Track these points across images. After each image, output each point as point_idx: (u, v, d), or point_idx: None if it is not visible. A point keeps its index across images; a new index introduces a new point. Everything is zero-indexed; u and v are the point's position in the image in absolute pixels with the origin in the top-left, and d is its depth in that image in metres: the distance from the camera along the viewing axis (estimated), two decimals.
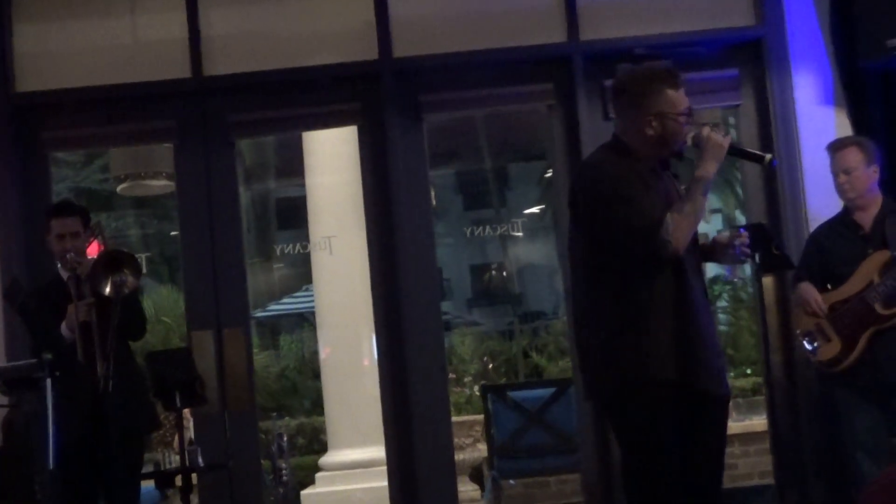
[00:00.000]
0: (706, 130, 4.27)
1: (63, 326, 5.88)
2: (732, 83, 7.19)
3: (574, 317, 4.57)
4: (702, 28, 7.10)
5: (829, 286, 5.77)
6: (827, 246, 5.86)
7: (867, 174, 5.74)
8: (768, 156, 4.43)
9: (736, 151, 4.37)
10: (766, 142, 6.98)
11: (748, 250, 4.39)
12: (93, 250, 6.50)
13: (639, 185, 4.25)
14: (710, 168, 4.26)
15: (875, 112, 6.78)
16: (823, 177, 6.22)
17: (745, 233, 4.44)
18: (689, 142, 4.31)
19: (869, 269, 5.63)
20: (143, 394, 6.14)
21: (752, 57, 7.18)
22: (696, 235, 4.36)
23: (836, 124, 6.87)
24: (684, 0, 7.20)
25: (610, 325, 4.28)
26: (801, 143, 6.99)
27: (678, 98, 4.29)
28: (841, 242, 5.81)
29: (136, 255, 6.15)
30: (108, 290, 5.68)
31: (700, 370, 4.23)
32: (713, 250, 4.50)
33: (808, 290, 5.75)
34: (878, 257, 5.63)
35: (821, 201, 6.58)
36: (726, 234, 4.47)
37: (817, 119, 7.02)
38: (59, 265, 6.19)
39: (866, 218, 5.75)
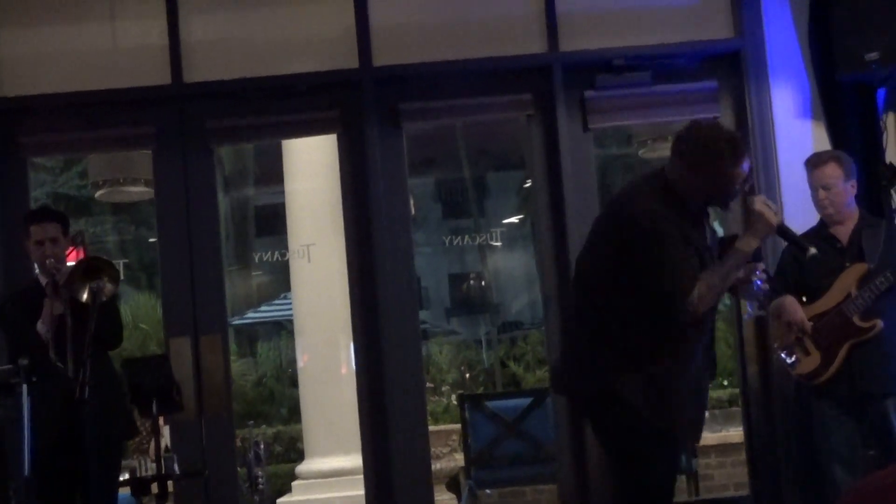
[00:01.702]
0: (759, 203, 4.28)
1: (39, 324, 5.85)
2: (711, 95, 7.20)
3: (563, 323, 4.59)
4: (680, 40, 7.12)
5: (804, 299, 5.79)
6: (804, 259, 5.88)
7: (845, 189, 5.76)
8: (812, 250, 4.44)
9: (783, 233, 4.39)
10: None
11: (767, 285, 4.40)
12: (74, 258, 6.49)
13: (683, 243, 4.26)
14: (752, 244, 4.29)
15: (852, 125, 6.81)
16: (800, 189, 6.24)
17: (761, 264, 4.44)
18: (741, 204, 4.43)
19: (847, 282, 5.65)
20: (120, 400, 6.11)
21: (730, 69, 7.20)
22: None
23: (814, 137, 6.90)
24: (663, 12, 7.21)
25: (610, 343, 4.34)
26: (779, 155, 7.01)
27: (738, 174, 4.31)
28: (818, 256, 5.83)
29: (114, 262, 6.14)
30: (85, 296, 5.67)
31: (676, 420, 4.32)
32: (733, 286, 4.48)
33: (792, 307, 5.73)
34: (856, 270, 5.65)
35: (798, 213, 6.59)
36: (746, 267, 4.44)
37: (795, 132, 7.05)
38: (37, 270, 6.17)
39: (843, 231, 5.77)
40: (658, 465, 4.37)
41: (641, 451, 4.33)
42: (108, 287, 5.72)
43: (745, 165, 4.32)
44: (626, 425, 4.33)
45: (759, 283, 4.33)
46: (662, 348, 4.27)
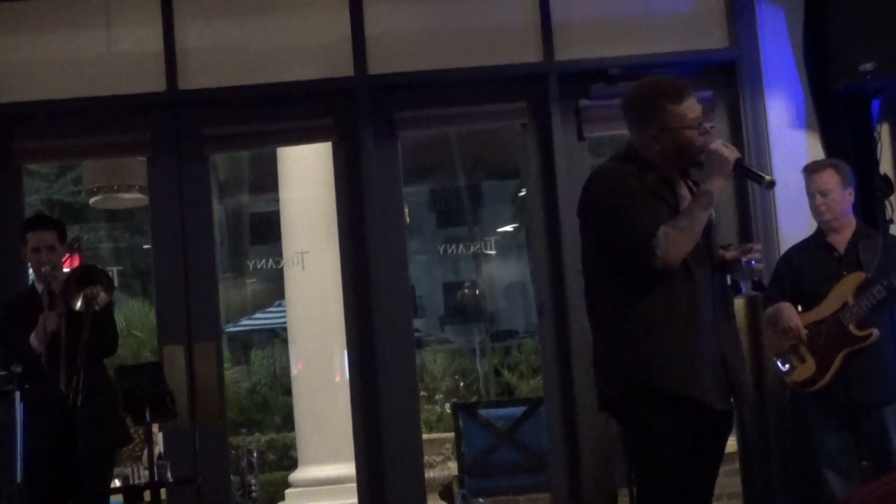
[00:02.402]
0: (715, 144, 4.18)
1: (32, 337, 5.84)
2: (706, 105, 7.19)
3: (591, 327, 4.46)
4: (675, 49, 7.13)
5: (800, 307, 5.79)
6: (800, 267, 5.88)
7: (843, 196, 5.76)
8: (768, 178, 4.30)
9: (739, 167, 4.22)
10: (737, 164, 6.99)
11: (761, 265, 4.26)
12: (71, 265, 6.50)
13: (642, 196, 4.18)
14: (714, 182, 4.16)
15: (847, 136, 6.82)
16: (795, 199, 6.24)
17: (756, 245, 4.35)
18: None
19: (844, 291, 5.65)
20: (113, 408, 6.10)
21: (725, 79, 7.21)
22: (710, 248, 4.29)
23: (808, 147, 6.91)
24: (659, 22, 7.22)
25: (614, 334, 4.26)
26: (773, 164, 7.02)
27: (683, 111, 4.20)
28: (815, 264, 5.83)
29: (108, 269, 6.14)
30: (79, 304, 5.66)
31: (697, 383, 4.13)
32: (727, 266, 4.36)
33: (789, 313, 5.73)
34: (853, 279, 5.66)
35: (793, 223, 6.61)
36: (734, 250, 4.33)
37: (789, 141, 7.06)
38: (33, 277, 6.17)
39: (840, 240, 5.77)
40: (673, 463, 4.20)
41: (659, 448, 4.20)
42: (102, 296, 5.72)
43: (695, 106, 4.22)
44: (643, 422, 4.22)
45: (752, 261, 4.22)
46: (661, 319, 4.16)
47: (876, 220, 5.86)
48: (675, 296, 4.16)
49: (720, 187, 4.18)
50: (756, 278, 4.26)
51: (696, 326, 4.15)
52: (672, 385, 4.13)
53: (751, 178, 4.46)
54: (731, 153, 4.16)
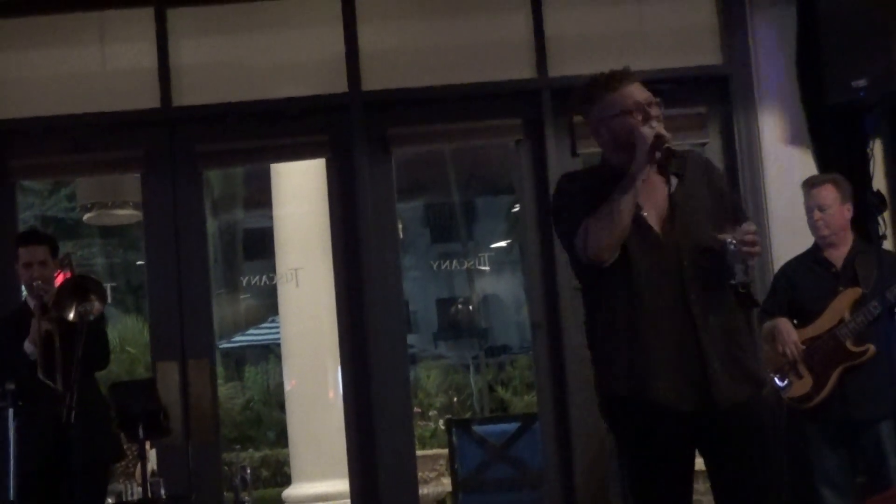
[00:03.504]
0: (642, 127, 3.89)
1: (26, 342, 5.82)
2: (699, 120, 7.22)
3: None
4: (669, 65, 7.12)
5: (795, 322, 5.78)
6: (797, 282, 5.87)
7: (841, 212, 5.74)
8: (681, 152, 4.00)
9: (659, 148, 3.86)
10: (732, 179, 7.00)
11: (751, 249, 3.85)
12: (61, 280, 6.47)
13: (582, 196, 3.97)
14: (637, 164, 3.87)
15: (840, 151, 6.82)
16: (788, 215, 6.24)
17: (740, 228, 3.93)
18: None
19: (840, 307, 5.64)
20: (106, 424, 6.08)
21: (718, 94, 7.22)
22: (685, 233, 3.93)
23: (801, 163, 6.90)
24: (651, 37, 7.23)
25: (588, 340, 4.10)
26: (766, 180, 7.03)
27: (617, 98, 3.98)
28: (811, 279, 5.81)
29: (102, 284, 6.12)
30: (72, 315, 5.64)
31: (648, 383, 3.85)
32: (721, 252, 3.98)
33: (786, 329, 5.71)
34: (850, 295, 5.64)
35: (785, 239, 6.60)
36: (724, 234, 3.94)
37: (782, 156, 7.07)
38: (25, 293, 6.15)
39: (837, 255, 5.75)
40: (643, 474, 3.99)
41: (630, 457, 4.05)
42: (96, 306, 5.70)
43: (634, 92, 3.98)
44: (611, 429, 4.13)
45: (731, 245, 3.86)
46: (612, 320, 3.94)
47: (869, 236, 5.86)
48: (614, 292, 3.94)
49: (640, 168, 3.87)
50: (748, 263, 3.91)
51: (641, 321, 3.89)
52: (619, 388, 3.93)
53: (670, 154, 3.95)
54: (649, 132, 3.87)
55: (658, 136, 3.87)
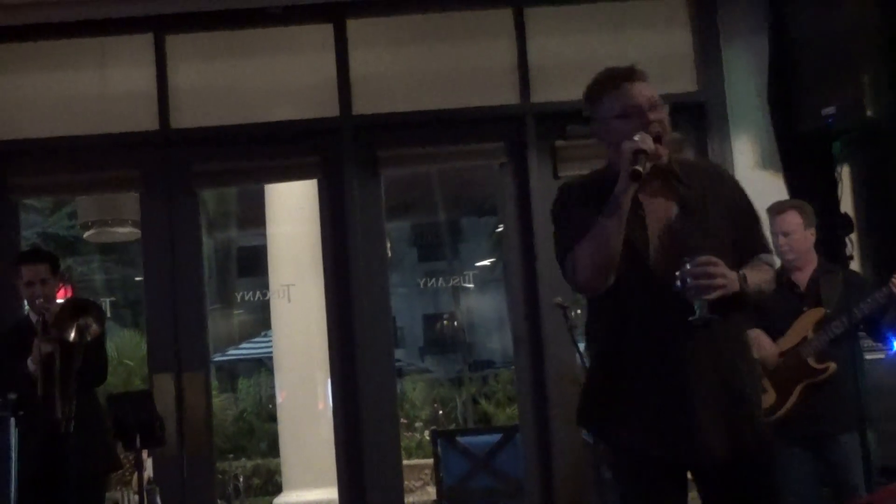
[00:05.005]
0: (624, 143, 3.47)
1: (28, 361, 5.81)
2: (675, 146, 7.19)
3: None
4: None
5: None
6: (763, 302, 5.87)
7: (805, 237, 5.76)
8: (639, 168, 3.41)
9: (636, 157, 3.42)
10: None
11: (702, 282, 3.39)
12: (62, 295, 6.47)
13: (578, 209, 3.57)
14: (621, 183, 3.42)
15: (809, 176, 6.83)
16: None
17: (701, 260, 3.42)
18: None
19: (804, 326, 5.65)
20: (103, 434, 6.06)
21: (693, 121, 7.23)
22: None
23: (773, 186, 6.90)
24: None
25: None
26: None
27: (618, 98, 3.59)
28: (777, 300, 5.78)
29: (101, 299, 6.12)
30: (72, 335, 5.64)
31: (621, 422, 3.50)
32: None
33: (763, 342, 5.69)
34: (813, 314, 5.66)
35: None
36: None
37: (755, 181, 7.04)
38: (27, 308, 6.14)
39: (802, 277, 5.77)
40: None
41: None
42: (94, 327, 5.71)
43: (634, 93, 3.58)
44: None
45: (685, 278, 3.39)
46: (596, 354, 3.63)
47: (836, 257, 5.87)
48: (602, 325, 3.61)
49: (623, 189, 3.42)
50: (703, 297, 3.39)
51: (624, 358, 3.51)
52: (593, 423, 3.67)
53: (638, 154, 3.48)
54: (628, 145, 3.42)
55: (636, 152, 3.40)
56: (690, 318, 3.40)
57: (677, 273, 3.41)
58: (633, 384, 3.50)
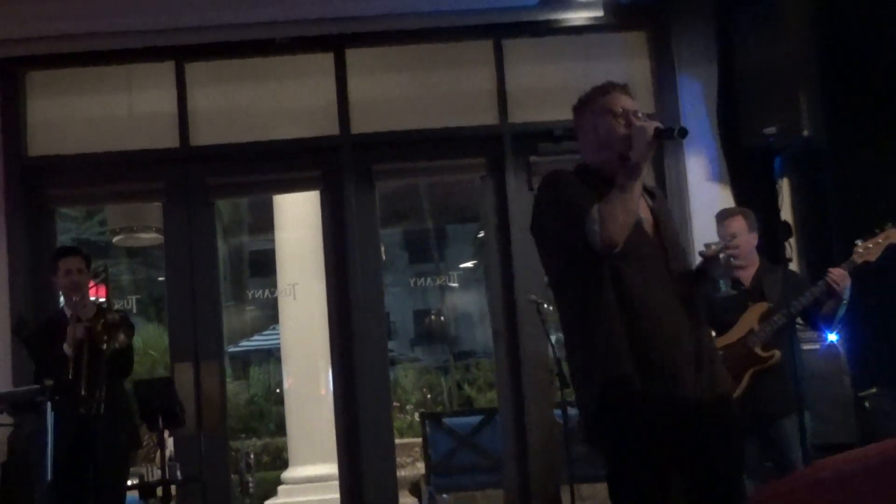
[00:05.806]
0: (637, 122, 3.61)
1: (65, 345, 5.79)
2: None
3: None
4: None
5: (713, 333, 5.79)
6: (713, 298, 5.89)
7: (749, 239, 5.76)
8: (676, 127, 3.63)
9: (660, 134, 3.58)
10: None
11: (735, 261, 3.73)
12: (99, 292, 6.47)
13: (578, 187, 3.59)
14: (638, 154, 3.53)
15: (753, 188, 6.84)
16: (711, 240, 6.25)
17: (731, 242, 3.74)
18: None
19: (750, 319, 5.65)
20: (128, 417, 6.05)
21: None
22: (662, 249, 3.59)
23: (722, 197, 6.92)
24: None
25: (574, 343, 3.58)
26: (693, 212, 7.05)
27: (608, 102, 3.67)
28: (725, 296, 5.83)
29: (128, 297, 6.12)
30: (105, 346, 5.66)
31: (650, 370, 3.39)
32: (704, 269, 3.68)
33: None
34: (758, 308, 5.66)
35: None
36: (714, 246, 3.71)
37: (706, 192, 7.09)
38: (62, 301, 6.13)
39: (746, 276, 5.77)
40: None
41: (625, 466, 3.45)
42: (122, 339, 5.74)
43: (621, 99, 3.69)
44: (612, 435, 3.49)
45: (732, 258, 3.69)
46: (608, 314, 3.45)
47: (778, 258, 5.88)
48: (614, 290, 3.48)
49: (644, 157, 3.54)
50: (734, 276, 3.71)
51: (641, 316, 3.45)
52: (627, 369, 3.41)
53: (669, 137, 3.66)
54: (649, 124, 3.56)
55: (657, 129, 3.55)
56: (724, 290, 3.92)
57: (721, 256, 3.62)
58: (646, 336, 3.44)
